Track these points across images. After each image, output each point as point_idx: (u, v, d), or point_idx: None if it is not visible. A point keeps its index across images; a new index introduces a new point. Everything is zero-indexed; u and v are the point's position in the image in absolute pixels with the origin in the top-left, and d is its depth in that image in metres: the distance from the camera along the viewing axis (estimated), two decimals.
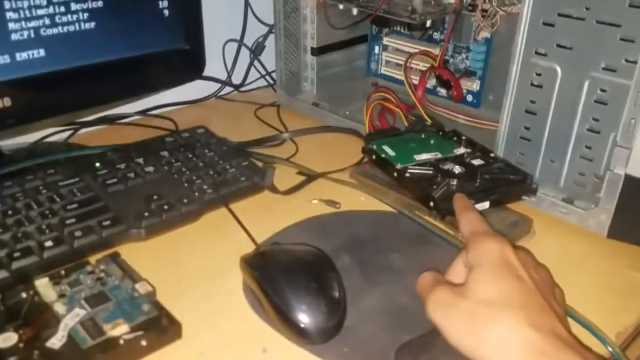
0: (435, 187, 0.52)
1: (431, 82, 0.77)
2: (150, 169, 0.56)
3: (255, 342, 0.40)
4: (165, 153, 0.59)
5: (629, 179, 0.48)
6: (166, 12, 0.58)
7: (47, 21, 0.50)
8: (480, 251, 0.37)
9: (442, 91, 0.78)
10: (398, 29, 0.80)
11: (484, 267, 0.36)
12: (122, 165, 0.55)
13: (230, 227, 0.52)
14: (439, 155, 0.57)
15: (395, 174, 0.55)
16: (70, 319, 0.36)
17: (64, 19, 0.51)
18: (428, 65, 0.73)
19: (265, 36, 0.86)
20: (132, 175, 0.54)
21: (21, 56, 0.50)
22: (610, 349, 0.40)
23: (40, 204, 0.49)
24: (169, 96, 0.76)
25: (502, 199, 0.52)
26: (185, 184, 0.55)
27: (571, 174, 0.53)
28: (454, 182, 0.52)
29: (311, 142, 0.70)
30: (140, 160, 0.57)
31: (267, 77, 0.87)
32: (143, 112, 0.76)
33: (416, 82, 0.70)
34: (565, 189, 0.54)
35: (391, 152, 0.58)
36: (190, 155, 0.59)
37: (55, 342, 0.35)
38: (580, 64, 0.49)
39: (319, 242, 0.48)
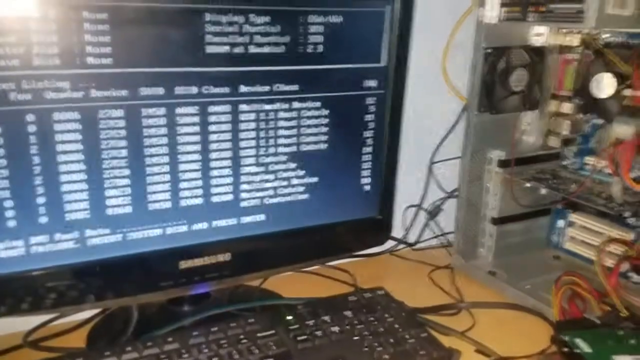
0: None
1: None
2: (336, 328, 0.58)
3: None
4: (348, 313, 0.61)
5: None
6: (367, 187, 0.64)
7: (271, 192, 0.59)
8: None
9: (636, 277, 0.72)
10: None
11: None
12: (311, 322, 0.59)
13: None
14: None
15: None
16: None
17: (285, 191, 0.59)
18: (621, 251, 0.69)
19: (443, 200, 0.89)
20: (319, 333, 0.57)
21: (245, 220, 0.58)
22: None
23: (240, 353, 0.53)
24: None
25: None
26: (366, 349, 0.56)
27: None
28: None
29: (489, 316, 0.68)
30: (327, 318, 0.60)
31: (442, 238, 0.89)
32: (322, 262, 0.80)
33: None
34: None
35: (587, 349, 0.54)
36: (371, 319, 0.61)
37: None
38: None
39: None
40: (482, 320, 0.66)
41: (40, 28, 0.45)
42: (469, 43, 0.73)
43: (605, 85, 0.67)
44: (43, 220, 0.49)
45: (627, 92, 0.65)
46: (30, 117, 0.46)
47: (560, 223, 0.82)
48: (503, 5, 0.69)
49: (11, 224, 0.48)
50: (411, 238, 0.89)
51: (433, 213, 0.89)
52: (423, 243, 0.89)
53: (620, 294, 0.65)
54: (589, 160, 0.75)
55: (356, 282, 0.75)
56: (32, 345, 0.57)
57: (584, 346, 0.54)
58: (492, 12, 0.70)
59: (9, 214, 0.48)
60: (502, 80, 0.73)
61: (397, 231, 0.88)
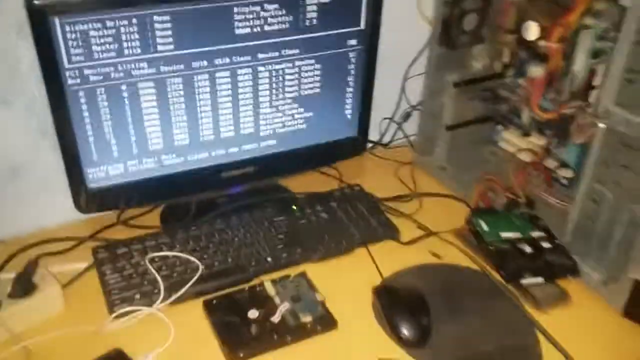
0: (507, 261, 0.77)
1: None
2: (325, 215, 0.87)
3: (377, 343, 0.70)
4: (334, 204, 0.90)
5: None
6: (349, 116, 0.89)
7: (280, 125, 0.84)
8: None
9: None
10: None
11: None
12: (309, 210, 0.87)
13: (366, 261, 0.81)
14: (519, 235, 0.82)
15: (483, 245, 0.81)
16: (283, 307, 0.69)
17: (289, 123, 0.85)
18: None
19: (411, 110, 1.12)
20: (314, 218, 0.86)
21: (263, 144, 0.85)
22: None
23: (264, 231, 0.82)
24: None
25: (554, 276, 0.76)
26: (343, 229, 0.85)
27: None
28: (521, 259, 0.77)
29: (432, 203, 0.96)
30: (319, 207, 0.88)
31: (408, 139, 1.14)
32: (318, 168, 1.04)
33: None
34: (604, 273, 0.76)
35: (485, 227, 0.84)
36: (349, 208, 0.89)
37: (275, 319, 0.68)
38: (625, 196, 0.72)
39: (424, 282, 0.76)
40: (426, 206, 0.95)
41: (125, 30, 0.67)
42: None
43: (531, 32, 0.88)
44: (134, 151, 0.76)
45: (542, 43, 0.86)
46: (123, 87, 0.70)
47: (499, 127, 1.07)
48: None
49: (115, 154, 0.75)
50: (385, 140, 1.14)
51: (404, 118, 1.14)
52: (394, 143, 1.14)
53: (525, 187, 0.93)
54: (522, 82, 0.98)
55: (342, 177, 1.02)
56: (124, 223, 0.86)
57: (483, 225, 0.84)
58: None
59: (114, 148, 0.74)
60: (457, 23, 0.94)
61: (374, 135, 1.12)
